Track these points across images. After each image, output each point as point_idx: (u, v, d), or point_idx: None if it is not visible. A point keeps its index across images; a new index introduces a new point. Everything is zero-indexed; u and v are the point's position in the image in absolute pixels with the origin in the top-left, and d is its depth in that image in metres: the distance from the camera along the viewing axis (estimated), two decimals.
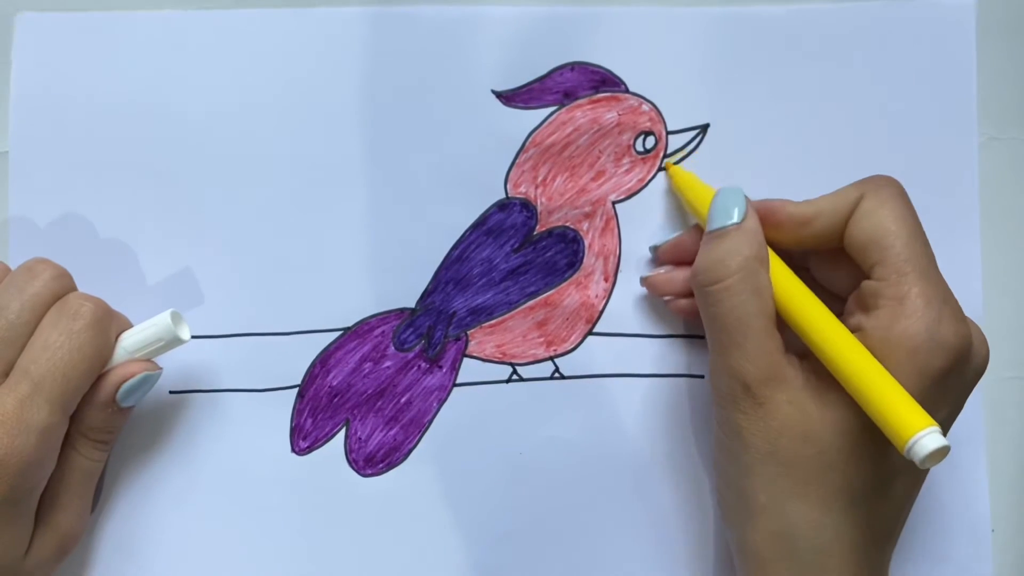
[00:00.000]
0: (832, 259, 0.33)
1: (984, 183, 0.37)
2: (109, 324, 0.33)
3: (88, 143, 0.36)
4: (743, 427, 0.31)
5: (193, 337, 0.36)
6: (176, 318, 0.33)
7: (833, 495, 0.30)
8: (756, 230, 0.32)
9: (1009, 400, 0.38)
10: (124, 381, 0.33)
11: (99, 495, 0.36)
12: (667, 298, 0.36)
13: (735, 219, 0.32)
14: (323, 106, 0.37)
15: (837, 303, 0.33)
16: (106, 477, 0.36)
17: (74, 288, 0.34)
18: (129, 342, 0.33)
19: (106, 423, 0.33)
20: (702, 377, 0.37)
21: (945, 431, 0.32)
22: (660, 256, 0.36)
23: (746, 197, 0.33)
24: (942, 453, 0.27)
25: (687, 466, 0.37)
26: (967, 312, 0.31)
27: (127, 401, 0.33)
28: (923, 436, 0.27)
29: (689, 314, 0.36)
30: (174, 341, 0.33)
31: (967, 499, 0.37)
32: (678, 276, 0.36)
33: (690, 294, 0.35)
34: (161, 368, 0.34)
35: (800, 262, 0.34)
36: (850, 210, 0.31)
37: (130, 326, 0.34)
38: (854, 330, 0.31)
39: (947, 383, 0.30)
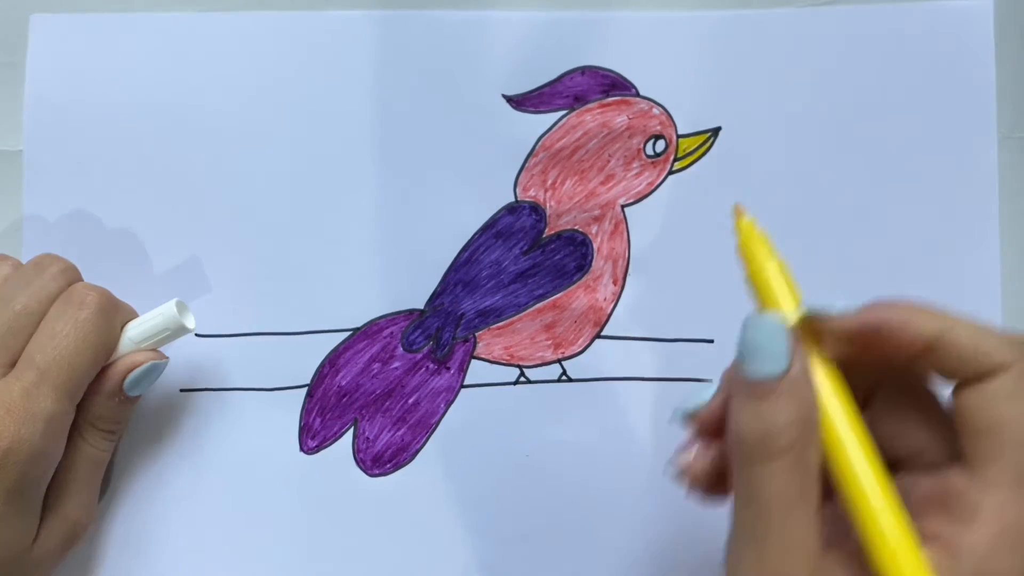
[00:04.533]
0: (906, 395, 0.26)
1: (1003, 183, 0.37)
2: (114, 313, 0.33)
3: (101, 143, 0.37)
4: None
5: (203, 336, 0.36)
6: (181, 307, 0.34)
7: None
8: (806, 380, 0.24)
9: None
10: (131, 370, 0.33)
11: (107, 486, 0.36)
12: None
13: (783, 366, 0.24)
14: (334, 108, 0.37)
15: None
16: (115, 474, 0.36)
17: (80, 280, 0.34)
18: (135, 332, 0.33)
19: (113, 413, 0.34)
20: (709, 381, 0.37)
21: None
22: (699, 425, 0.28)
23: (789, 328, 0.24)
24: None
25: None
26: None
27: (134, 390, 0.33)
28: None
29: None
30: (180, 330, 0.33)
31: None
32: (714, 456, 0.27)
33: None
34: (167, 357, 0.34)
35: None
36: (987, 371, 0.24)
37: (136, 316, 0.34)
38: (927, 540, 0.23)
39: None
